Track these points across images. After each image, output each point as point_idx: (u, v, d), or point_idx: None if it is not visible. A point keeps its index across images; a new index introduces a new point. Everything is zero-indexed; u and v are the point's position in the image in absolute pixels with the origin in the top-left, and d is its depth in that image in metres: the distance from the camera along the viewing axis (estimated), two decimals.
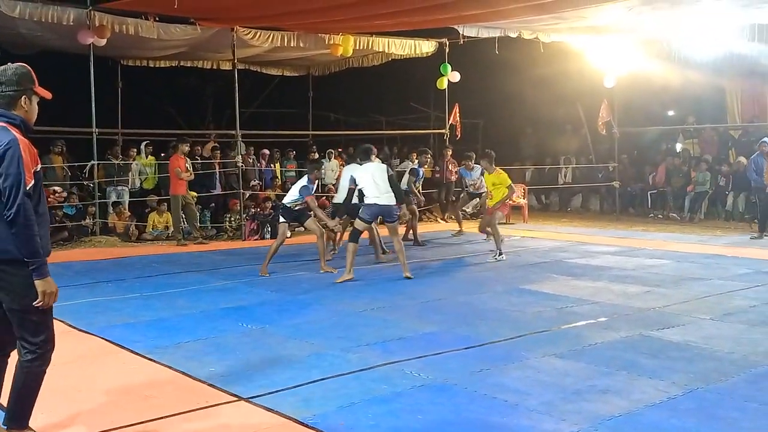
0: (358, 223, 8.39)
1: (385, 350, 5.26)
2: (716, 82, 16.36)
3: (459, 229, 12.87)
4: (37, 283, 3.24)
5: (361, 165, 8.80)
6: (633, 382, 4.49)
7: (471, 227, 13.12)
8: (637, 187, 16.51)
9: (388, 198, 8.28)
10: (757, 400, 4.17)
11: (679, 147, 17.18)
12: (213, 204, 13.37)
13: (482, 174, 12.15)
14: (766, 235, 11.63)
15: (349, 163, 10.80)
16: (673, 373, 4.65)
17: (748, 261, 9.41)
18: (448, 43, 15.04)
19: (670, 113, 18.49)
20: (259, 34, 12.76)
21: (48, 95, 3.50)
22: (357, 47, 13.81)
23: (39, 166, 3.39)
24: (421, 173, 12.12)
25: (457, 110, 15.72)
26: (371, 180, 8.33)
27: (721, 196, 14.86)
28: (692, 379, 4.53)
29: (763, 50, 14.06)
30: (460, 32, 13.60)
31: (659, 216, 15.48)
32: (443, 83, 15.40)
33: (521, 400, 4.21)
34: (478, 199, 12.49)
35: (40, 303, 3.25)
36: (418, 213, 12.28)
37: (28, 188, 3.22)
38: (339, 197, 10.04)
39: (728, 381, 4.52)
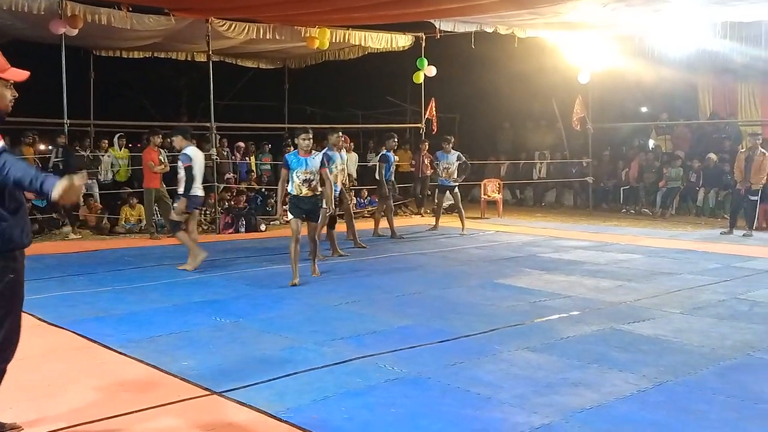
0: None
1: (360, 344, 5.26)
2: (688, 79, 16.59)
3: (435, 223, 12.91)
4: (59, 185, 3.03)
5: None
6: (604, 375, 4.54)
7: (447, 222, 13.19)
8: (611, 183, 16.69)
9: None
10: (725, 392, 4.24)
11: (651, 143, 17.41)
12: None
13: (458, 160, 12.29)
14: (736, 231, 11.81)
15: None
16: (643, 366, 4.71)
17: (718, 256, 9.55)
18: (424, 38, 15.04)
19: (644, 109, 18.71)
20: (234, 25, 12.66)
21: (22, 76, 3.34)
22: (333, 40, 13.76)
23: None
24: (391, 158, 12.03)
25: (434, 105, 15.75)
26: None
27: (693, 191, 15.08)
28: (662, 372, 4.60)
29: (734, 48, 14.27)
30: (437, 27, 13.61)
31: (632, 211, 15.67)
32: (419, 77, 15.41)
33: (494, 393, 4.24)
34: (450, 192, 12.50)
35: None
36: (393, 207, 12.31)
37: None
38: None
39: (697, 374, 4.59)
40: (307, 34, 13.43)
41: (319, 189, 7.71)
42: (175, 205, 8.68)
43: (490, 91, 19.02)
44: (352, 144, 14.15)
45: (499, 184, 16.35)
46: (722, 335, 5.51)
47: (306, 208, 7.65)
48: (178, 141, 8.60)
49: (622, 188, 16.46)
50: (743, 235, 11.51)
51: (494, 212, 15.44)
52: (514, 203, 18.01)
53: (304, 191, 7.59)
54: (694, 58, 14.89)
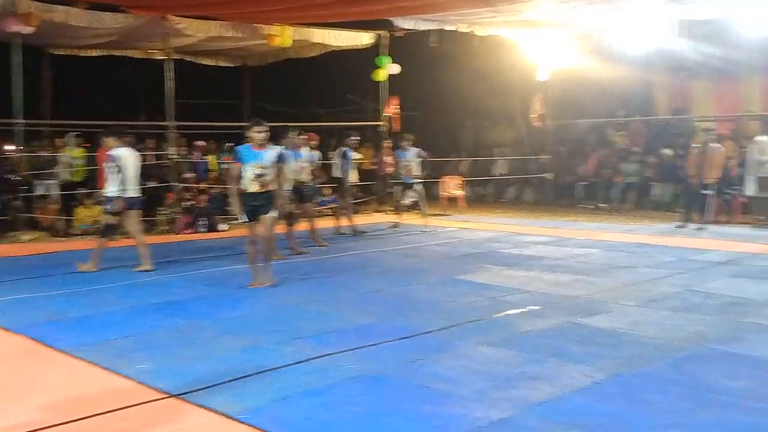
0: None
1: (321, 343, 5.24)
2: (645, 76, 16.90)
3: (397, 221, 12.93)
4: None
5: None
6: (561, 369, 4.60)
7: (409, 219, 13.22)
8: (569, 179, 16.92)
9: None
10: (679, 383, 4.32)
11: (609, 139, 17.68)
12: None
13: (418, 156, 12.39)
14: (690, 224, 12.06)
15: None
16: (599, 359, 4.79)
17: (673, 249, 9.75)
18: (387, 36, 15.04)
19: (602, 106, 18.99)
20: (192, 23, 12.50)
21: None
22: (295, 38, 13.67)
23: None
24: (349, 155, 12.02)
25: (395, 102, 15.76)
26: None
27: (649, 186, 15.36)
28: (618, 364, 4.67)
29: (689, 45, 14.58)
30: (398, 25, 13.63)
31: (589, 206, 15.90)
32: (380, 75, 15.41)
33: (454, 388, 4.26)
34: (413, 191, 12.54)
35: None
36: (354, 205, 12.32)
37: None
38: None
39: (652, 365, 4.68)
40: (268, 32, 13.33)
41: (272, 186, 7.28)
42: (106, 206, 8.48)
43: (452, 89, 19.12)
44: (317, 142, 14.09)
45: (460, 180, 16.45)
46: (677, 327, 5.62)
47: (257, 205, 7.21)
48: (110, 142, 8.40)
49: (580, 183, 16.69)
50: (697, 228, 11.77)
51: (456, 209, 15.53)
52: (475, 200, 18.13)
53: (256, 187, 7.15)
54: (651, 56, 15.17)
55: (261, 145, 7.21)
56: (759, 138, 11.92)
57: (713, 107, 16.54)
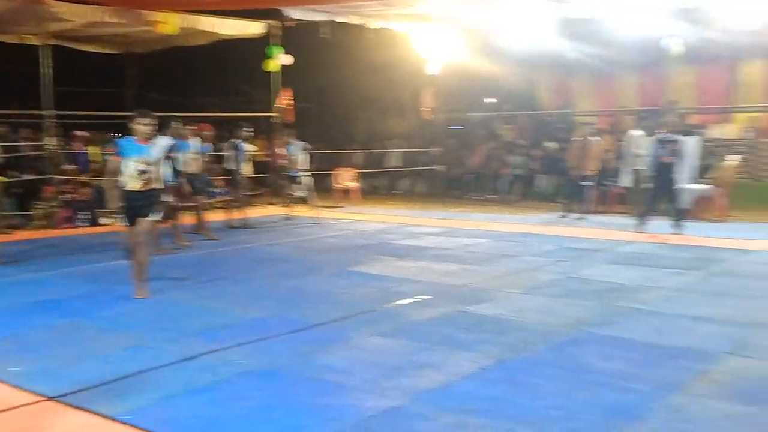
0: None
1: (209, 338, 5.13)
2: (530, 71, 17.56)
3: (289, 213, 12.83)
4: None
5: None
6: (449, 356, 4.72)
7: (302, 212, 13.14)
8: (459, 171, 17.35)
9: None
10: (559, 366, 4.53)
11: (497, 132, 18.27)
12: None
13: (304, 149, 12.47)
14: (571, 214, 12.66)
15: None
16: (485, 346, 4.94)
17: (555, 238, 10.19)
18: (278, 25, 14.82)
19: (489, 100, 19.59)
20: (70, 7, 11.83)
21: None
22: (182, 26, 13.22)
23: None
24: (241, 147, 11.83)
25: (287, 93, 15.59)
26: None
27: (534, 178, 16.00)
28: (502, 350, 4.84)
29: (569, 44, 15.26)
30: (288, 15, 13.47)
31: (479, 198, 16.37)
32: (271, 66, 15.19)
33: (345, 379, 4.28)
34: (300, 183, 12.59)
35: None
36: (246, 197, 12.13)
37: None
38: None
39: (534, 350, 4.87)
40: (153, 19, 12.82)
41: (155, 184, 6.60)
42: None
43: (346, 81, 19.17)
44: (210, 133, 13.73)
45: (353, 173, 16.52)
46: (558, 313, 5.89)
47: (138, 205, 6.46)
48: None
49: (469, 175, 17.15)
50: (578, 218, 12.37)
51: (349, 201, 15.58)
52: (369, 192, 18.26)
53: (138, 185, 6.41)
54: (534, 53, 15.76)
55: (146, 139, 6.50)
56: (633, 132, 12.63)
57: (593, 103, 17.42)
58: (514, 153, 16.42)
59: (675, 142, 10.51)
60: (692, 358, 4.60)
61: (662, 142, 10.49)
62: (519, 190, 16.10)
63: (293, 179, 12.55)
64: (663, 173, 10.42)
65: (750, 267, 7.80)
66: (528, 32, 14.96)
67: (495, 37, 15.47)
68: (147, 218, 6.57)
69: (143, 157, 6.47)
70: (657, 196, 10.59)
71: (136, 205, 6.47)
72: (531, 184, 16.11)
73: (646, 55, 15.38)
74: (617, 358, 4.65)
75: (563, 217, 12.64)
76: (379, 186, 18.82)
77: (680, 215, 10.54)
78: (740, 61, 15.53)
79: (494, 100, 19.37)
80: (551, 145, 15.76)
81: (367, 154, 18.71)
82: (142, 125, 6.47)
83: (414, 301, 6.33)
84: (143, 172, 6.45)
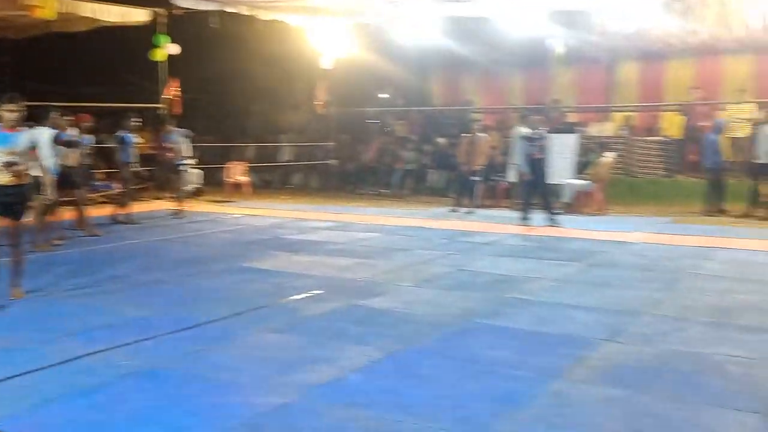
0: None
1: (90, 339, 4.89)
2: (421, 68, 17.85)
3: (179, 208, 12.44)
4: None
5: None
6: (341, 350, 4.72)
7: (193, 206, 12.80)
8: (352, 165, 17.41)
9: None
10: (448, 356, 4.63)
11: (388, 127, 18.47)
12: None
13: (186, 137, 12.29)
14: (461, 208, 12.98)
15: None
16: (377, 338, 4.98)
17: (446, 232, 10.42)
18: (164, 13, 14.31)
19: (383, 95, 19.76)
20: None
21: None
22: (60, 10, 12.50)
23: None
24: (128, 139, 11.39)
25: (175, 84, 15.10)
26: None
27: (425, 172, 16.29)
28: (394, 343, 4.90)
29: (459, 42, 15.62)
30: (176, 3, 13.04)
31: (372, 192, 16.49)
32: (158, 55, 14.66)
33: (235, 377, 4.20)
34: (186, 172, 12.36)
35: None
36: (133, 191, 11.69)
37: None
38: None
39: (425, 342, 4.96)
40: (28, 3, 12.05)
41: (26, 178, 6.10)
42: None
43: (238, 73, 18.77)
44: (90, 124, 13.10)
45: (245, 166, 16.24)
46: (447, 304, 6.02)
47: (8, 202, 5.97)
48: None
49: (362, 170, 17.25)
50: (467, 212, 12.70)
51: (241, 195, 15.31)
52: (262, 186, 18.02)
53: (6, 178, 5.92)
54: (427, 50, 16.04)
55: (12, 127, 5.96)
56: (519, 129, 13.08)
57: (482, 100, 17.92)
58: (407, 148, 16.64)
59: (543, 138, 11.03)
60: (572, 346, 4.82)
61: (532, 139, 10.97)
62: (411, 185, 16.34)
63: (178, 168, 12.22)
64: (535, 169, 10.92)
65: (626, 258, 8.26)
66: (420, 29, 15.20)
67: (388, 33, 15.61)
68: (19, 215, 6.12)
69: (9, 147, 5.94)
70: (532, 190, 11.07)
71: (6, 201, 5.99)
72: (423, 179, 16.39)
73: (531, 55, 15.98)
74: (504, 347, 4.81)
75: (454, 211, 12.94)
76: (272, 180, 18.60)
77: (551, 209, 11.04)
78: (617, 62, 16.42)
79: (387, 96, 19.55)
80: (442, 140, 16.08)
81: (259, 148, 18.44)
82: (7, 111, 5.94)
83: (307, 296, 6.30)
84: (10, 163, 5.93)
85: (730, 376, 4.23)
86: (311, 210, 13.40)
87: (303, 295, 6.33)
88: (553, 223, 10.72)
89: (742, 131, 12.98)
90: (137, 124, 11.86)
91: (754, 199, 12.20)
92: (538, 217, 10.82)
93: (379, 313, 5.72)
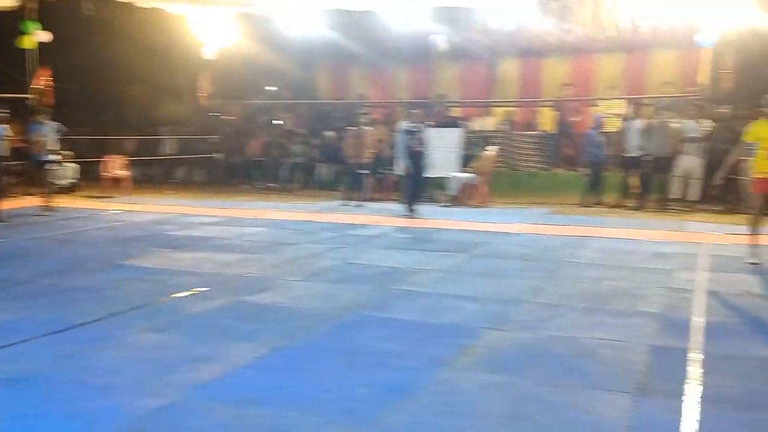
0: None
1: None
2: (309, 61, 17.73)
3: (47, 204, 11.73)
4: None
5: None
6: (227, 348, 4.60)
7: (64, 202, 12.15)
8: (239, 159, 17.07)
9: None
10: (335, 349, 4.61)
11: (277, 121, 18.22)
12: None
13: (57, 131, 11.69)
14: (351, 202, 13.01)
15: None
16: (264, 334, 4.90)
17: (334, 225, 10.41)
18: None
19: (270, 88, 19.46)
20: None
21: None
22: None
23: None
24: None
25: (46, 73, 14.22)
26: None
27: (314, 166, 16.21)
28: (281, 338, 4.83)
29: (347, 35, 15.63)
30: None
31: (259, 186, 16.24)
32: (27, 42, 13.77)
33: (113, 380, 4.00)
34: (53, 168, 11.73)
35: None
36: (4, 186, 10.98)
37: None
38: None
39: (313, 336, 4.92)
40: None
41: None
42: None
43: (115, 62, 17.89)
44: None
45: (124, 160, 15.55)
46: (335, 297, 6.00)
47: None
48: None
49: (249, 163, 16.95)
50: (356, 205, 12.75)
51: (120, 190, 14.66)
52: (143, 181, 17.32)
53: None
54: (314, 42, 15.95)
55: None
56: (405, 123, 13.25)
57: (369, 94, 18.01)
58: (295, 141, 16.48)
59: (420, 132, 11.30)
60: (458, 335, 4.93)
61: (411, 132, 11.21)
62: (300, 179, 16.21)
63: (44, 163, 11.57)
64: (414, 162, 11.18)
65: (508, 248, 8.55)
66: (306, 21, 15.08)
67: (274, 25, 15.40)
68: None
69: None
70: (413, 183, 11.33)
71: None
72: (312, 173, 16.30)
73: (416, 50, 16.22)
74: (391, 339, 4.84)
75: (343, 204, 12.95)
76: (154, 175, 17.91)
77: (414, 201, 11.29)
78: (498, 59, 16.95)
79: (274, 88, 19.28)
80: (330, 134, 16.05)
81: (139, 141, 17.70)
82: None
83: (191, 294, 6.10)
84: None
85: (603, 358, 4.46)
86: (196, 205, 13.03)
87: (186, 293, 6.12)
88: (412, 215, 10.99)
89: (613, 126, 13.73)
90: (5, 115, 11.12)
91: (625, 191, 12.97)
92: (427, 209, 11.02)
93: (266, 308, 5.62)
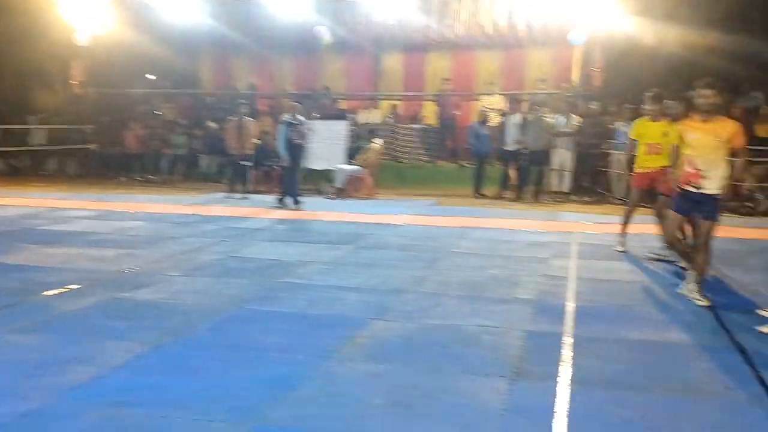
0: None
1: None
2: (191, 50, 17.21)
3: None
4: None
5: None
6: (101, 347, 4.40)
7: None
8: (116, 150, 16.35)
9: None
10: (218, 345, 4.51)
11: (157, 111, 17.58)
12: None
13: None
14: (235, 194, 12.76)
15: None
16: (142, 332, 4.72)
17: (217, 218, 10.18)
18: None
19: (150, 77, 18.74)
20: None
21: None
22: None
23: None
24: None
25: None
26: None
27: (196, 158, 15.78)
28: (160, 335, 4.67)
29: (230, 24, 15.27)
30: None
31: (138, 178, 15.63)
32: None
33: None
34: None
35: None
36: None
37: None
38: None
39: (193, 332, 4.79)
40: None
41: None
42: None
43: None
44: None
45: None
46: (218, 292, 5.87)
47: None
48: None
49: (127, 155, 16.27)
50: (240, 198, 12.52)
51: None
52: (9, 173, 16.27)
53: None
54: (196, 31, 15.49)
55: None
56: (286, 115, 13.13)
57: (254, 85, 17.71)
58: (176, 132, 15.96)
59: (301, 124, 11.33)
60: (342, 326, 4.95)
61: (292, 124, 11.19)
62: (182, 171, 15.73)
63: None
64: (293, 154, 11.20)
65: (393, 239, 8.67)
66: (189, 9, 14.61)
67: (153, 11, 14.82)
68: None
69: None
70: (294, 175, 11.34)
71: None
72: (194, 165, 15.86)
73: (301, 41, 16.11)
74: (276, 332, 4.80)
75: (227, 197, 12.70)
76: (22, 167, 16.84)
77: (286, 194, 11.38)
78: (383, 52, 17.12)
79: (154, 77, 18.58)
80: (212, 125, 15.66)
81: (4, 131, 16.57)
82: None
83: (63, 291, 5.79)
84: None
85: (482, 344, 4.62)
86: (69, 198, 12.35)
87: (57, 291, 5.80)
88: (281, 206, 11.11)
89: (493, 121, 14.20)
90: None
91: (505, 183, 13.47)
92: (311, 201, 10.99)
93: (145, 305, 5.42)
